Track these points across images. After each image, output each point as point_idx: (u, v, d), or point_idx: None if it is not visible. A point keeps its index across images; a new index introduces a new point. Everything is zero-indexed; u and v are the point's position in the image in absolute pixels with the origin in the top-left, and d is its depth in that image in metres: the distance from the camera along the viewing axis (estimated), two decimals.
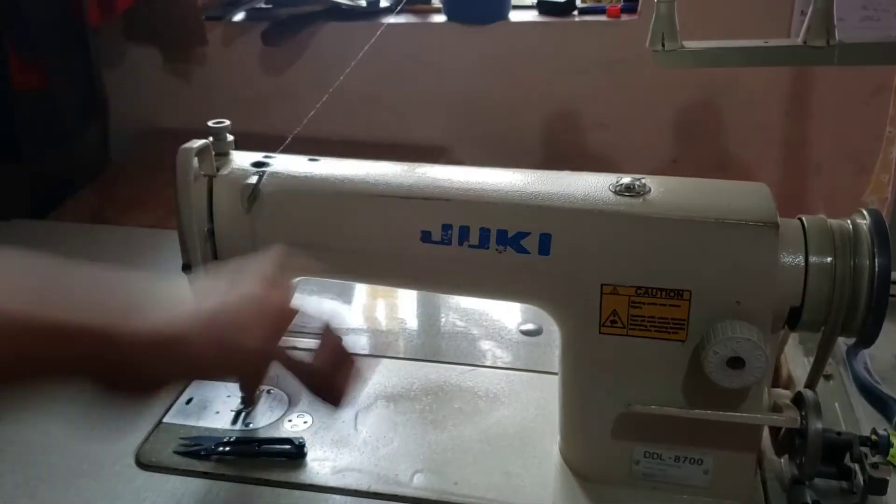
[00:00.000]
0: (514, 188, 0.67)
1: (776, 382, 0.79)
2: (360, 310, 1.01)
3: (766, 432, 0.71)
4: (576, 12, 1.75)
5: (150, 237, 1.18)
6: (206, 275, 0.68)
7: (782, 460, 0.71)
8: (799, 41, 0.92)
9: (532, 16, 1.76)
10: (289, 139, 0.75)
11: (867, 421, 0.76)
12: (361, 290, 1.05)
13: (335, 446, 0.77)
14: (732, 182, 0.67)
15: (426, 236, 0.66)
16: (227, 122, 0.72)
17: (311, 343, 0.58)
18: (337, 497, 0.72)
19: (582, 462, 0.72)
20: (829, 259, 0.61)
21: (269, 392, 0.84)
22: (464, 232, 0.65)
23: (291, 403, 0.82)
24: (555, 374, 0.73)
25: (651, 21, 0.92)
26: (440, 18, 1.78)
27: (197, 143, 0.69)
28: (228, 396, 0.83)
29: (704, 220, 0.61)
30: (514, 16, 1.76)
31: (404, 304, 1.02)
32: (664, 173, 0.68)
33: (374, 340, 0.94)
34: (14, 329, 0.44)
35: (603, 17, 1.72)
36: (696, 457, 0.67)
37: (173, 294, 0.54)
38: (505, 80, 1.76)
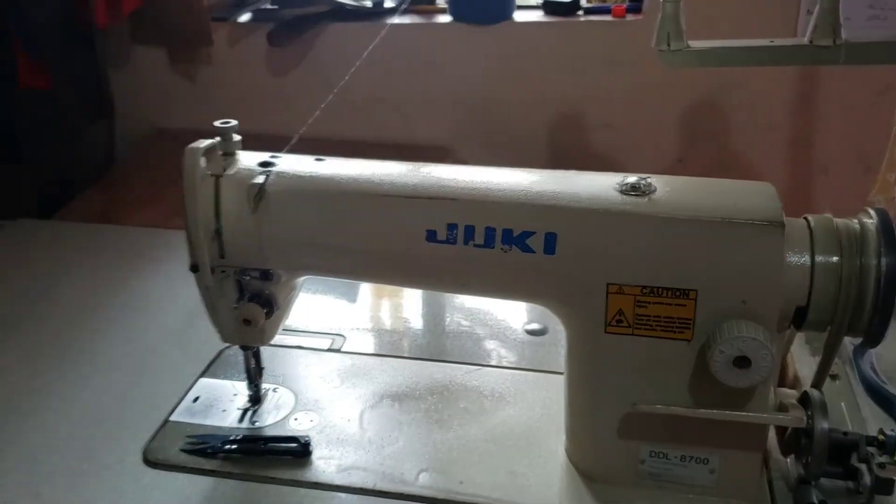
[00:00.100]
0: (519, 187, 0.67)
1: (782, 382, 0.79)
2: (366, 309, 1.01)
3: (772, 432, 0.71)
4: (581, 12, 1.75)
5: (155, 237, 1.18)
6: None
7: (788, 460, 0.71)
8: (805, 41, 0.92)
9: (537, 16, 1.76)
10: (295, 139, 0.75)
11: (874, 421, 0.76)
12: (367, 289, 1.05)
13: (341, 445, 0.77)
14: (738, 182, 0.67)
15: (431, 235, 0.66)
16: (234, 122, 0.72)
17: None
18: (342, 495, 0.72)
19: (587, 461, 0.72)
20: (835, 258, 0.61)
21: (274, 391, 0.84)
22: (469, 231, 0.65)
23: (297, 402, 0.83)
24: (560, 373, 0.73)
25: (656, 21, 0.92)
26: (445, 19, 1.78)
27: (204, 142, 0.69)
28: (235, 395, 0.83)
29: (710, 219, 0.61)
30: (519, 16, 1.76)
31: (409, 304, 1.02)
32: (670, 173, 0.68)
33: (380, 340, 0.94)
34: None
35: (608, 17, 1.72)
36: (702, 456, 0.67)
37: None
38: (510, 81, 1.76)
